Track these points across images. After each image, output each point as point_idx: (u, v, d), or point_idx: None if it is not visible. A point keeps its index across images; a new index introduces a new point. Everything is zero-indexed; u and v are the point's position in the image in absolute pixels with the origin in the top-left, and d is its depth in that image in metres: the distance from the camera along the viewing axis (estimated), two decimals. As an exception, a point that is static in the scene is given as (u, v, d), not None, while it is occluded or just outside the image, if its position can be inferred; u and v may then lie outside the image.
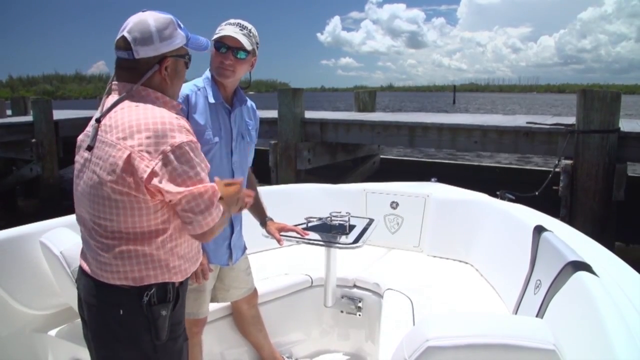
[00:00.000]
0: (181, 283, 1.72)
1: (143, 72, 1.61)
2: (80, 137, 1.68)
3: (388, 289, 2.90)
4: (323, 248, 2.69)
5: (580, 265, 2.01)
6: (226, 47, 2.18)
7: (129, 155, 1.46)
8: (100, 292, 1.61)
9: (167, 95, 1.66)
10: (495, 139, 7.65)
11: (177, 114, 1.62)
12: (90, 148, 1.55)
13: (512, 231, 2.89)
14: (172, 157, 1.47)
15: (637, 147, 6.61)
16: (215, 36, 2.18)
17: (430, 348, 1.33)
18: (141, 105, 1.57)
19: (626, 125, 7.14)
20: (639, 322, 1.61)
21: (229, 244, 2.42)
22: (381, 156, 10.62)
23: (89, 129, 1.62)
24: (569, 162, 6.66)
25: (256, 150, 2.62)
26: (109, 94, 1.66)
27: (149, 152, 1.47)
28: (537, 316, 2.24)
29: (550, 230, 2.52)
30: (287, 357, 2.97)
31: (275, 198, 3.17)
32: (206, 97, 2.22)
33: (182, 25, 1.68)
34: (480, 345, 1.30)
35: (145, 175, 1.46)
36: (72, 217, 2.86)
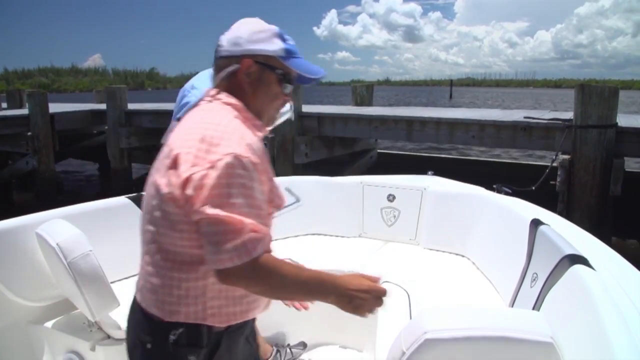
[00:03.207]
0: (228, 328, 1.44)
1: (222, 70, 1.47)
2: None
3: (385, 281, 2.90)
4: (320, 239, 2.68)
5: (576, 259, 2.01)
6: None
7: (178, 155, 1.30)
8: (135, 315, 1.45)
9: (248, 108, 1.45)
10: (493, 133, 7.64)
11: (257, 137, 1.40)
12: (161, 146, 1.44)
13: (509, 224, 2.89)
14: (214, 174, 1.25)
15: (635, 142, 6.61)
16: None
17: (428, 340, 1.32)
18: (213, 109, 1.41)
19: (624, 120, 7.15)
20: (636, 315, 1.62)
21: None
22: (378, 150, 10.61)
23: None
24: (566, 157, 6.66)
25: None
26: None
27: (196, 157, 1.28)
28: (533, 309, 2.24)
29: (547, 224, 2.52)
30: (281, 348, 2.96)
31: None
32: None
33: (288, 40, 1.50)
34: (478, 338, 1.30)
35: (180, 181, 1.27)
36: (68, 209, 2.87)
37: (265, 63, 1.45)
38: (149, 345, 1.39)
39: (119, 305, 2.34)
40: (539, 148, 7.58)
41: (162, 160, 1.37)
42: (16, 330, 2.57)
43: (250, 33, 1.45)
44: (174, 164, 1.29)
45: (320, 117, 8.96)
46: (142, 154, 12.12)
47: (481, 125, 7.72)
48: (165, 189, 1.30)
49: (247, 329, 1.54)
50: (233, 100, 1.43)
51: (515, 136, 7.45)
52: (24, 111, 11.16)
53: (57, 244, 2.23)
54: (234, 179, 1.25)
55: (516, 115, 8.31)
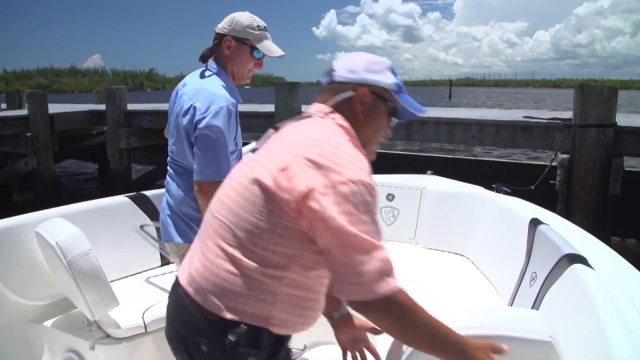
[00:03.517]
0: (287, 336, 1.43)
1: (336, 93, 1.45)
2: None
3: None
4: None
5: (576, 258, 2.02)
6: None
7: (291, 165, 1.24)
8: (183, 312, 1.37)
9: (358, 135, 1.44)
10: (492, 133, 7.64)
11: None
12: (254, 150, 1.40)
13: (508, 224, 2.89)
14: (345, 190, 1.20)
15: (634, 142, 6.61)
16: (274, 54, 2.24)
17: None
18: (328, 126, 1.39)
19: (623, 119, 7.15)
20: (635, 314, 1.62)
21: None
22: (377, 150, 10.58)
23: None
24: (565, 156, 6.67)
25: (254, 145, 2.62)
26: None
27: (315, 171, 1.22)
28: (532, 308, 2.24)
29: (546, 223, 2.52)
30: None
31: None
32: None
33: (397, 76, 1.52)
34: (478, 337, 1.29)
35: (303, 189, 1.20)
36: (67, 208, 2.88)
37: (380, 94, 1.47)
38: (204, 347, 1.31)
39: (118, 304, 2.35)
40: (539, 147, 7.60)
41: (269, 161, 1.29)
42: (15, 329, 2.57)
43: (367, 63, 1.47)
44: (292, 174, 1.22)
45: (319, 117, 8.92)
46: (141, 155, 12.12)
47: (480, 125, 7.72)
48: (279, 194, 1.23)
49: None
50: (346, 124, 1.43)
51: (515, 136, 7.46)
52: (24, 112, 11.16)
53: (56, 243, 2.23)
54: (364, 206, 1.21)
55: (515, 115, 8.31)
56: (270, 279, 1.28)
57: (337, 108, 1.44)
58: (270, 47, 2.23)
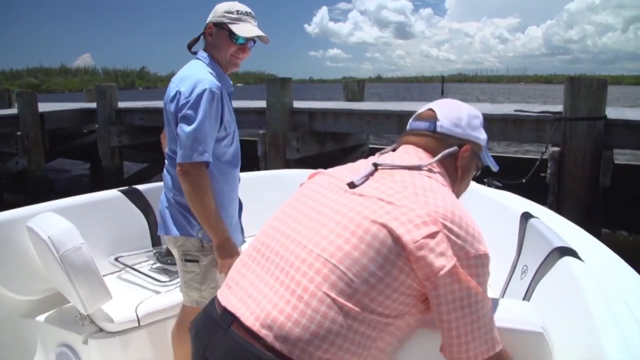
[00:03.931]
0: None
1: (441, 148, 1.41)
2: (336, 170, 1.45)
3: None
4: None
5: (566, 251, 2.03)
6: (253, 43, 2.26)
7: (438, 233, 1.17)
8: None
9: (452, 191, 1.40)
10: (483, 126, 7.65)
11: None
12: (353, 185, 1.28)
13: (499, 218, 2.90)
14: (473, 261, 1.20)
15: (623, 134, 6.66)
16: (247, 34, 2.20)
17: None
18: (437, 179, 1.34)
19: (612, 112, 7.20)
20: (623, 306, 1.64)
21: (240, 218, 2.43)
22: (370, 145, 10.61)
23: (361, 167, 1.39)
24: (556, 149, 6.70)
25: (245, 141, 2.61)
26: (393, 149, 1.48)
27: (454, 244, 1.18)
28: (523, 301, 2.26)
29: (537, 217, 2.54)
30: None
31: (265, 183, 3.17)
32: (223, 85, 2.21)
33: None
34: None
35: (447, 266, 1.15)
36: (59, 202, 2.87)
37: (477, 152, 1.49)
38: None
39: (111, 298, 2.34)
40: (529, 141, 7.62)
41: (401, 214, 1.19)
42: (8, 325, 2.56)
43: (470, 117, 1.48)
44: (434, 244, 1.16)
45: (311, 113, 8.94)
46: (133, 152, 12.09)
47: (472, 119, 7.71)
48: (416, 256, 1.15)
49: None
50: (447, 183, 1.40)
51: (506, 129, 7.48)
52: (13, 111, 11.10)
53: (48, 237, 2.21)
54: (484, 272, 1.24)
55: (507, 108, 8.34)
56: (370, 333, 1.18)
57: (441, 161, 1.41)
58: (244, 28, 2.20)
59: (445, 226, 1.17)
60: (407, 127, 1.52)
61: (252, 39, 2.24)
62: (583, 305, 1.59)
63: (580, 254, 2.01)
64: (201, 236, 2.21)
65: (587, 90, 6.47)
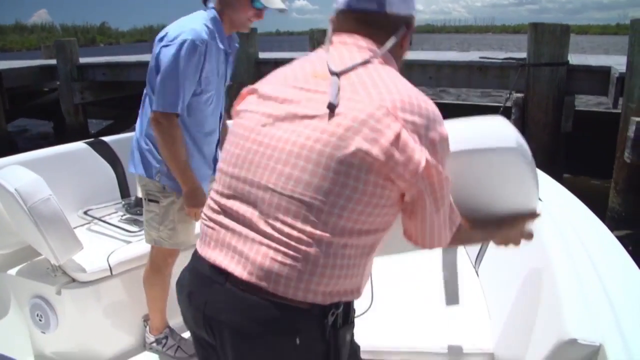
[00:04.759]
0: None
1: (391, 32, 1.25)
2: (269, 87, 1.26)
3: None
4: None
5: None
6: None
7: (401, 130, 1.09)
8: (269, 314, 1.13)
9: None
10: (449, 74, 7.72)
11: None
12: (331, 107, 1.12)
13: None
14: (439, 147, 1.13)
15: (585, 80, 6.81)
16: (270, 4, 2.14)
17: None
18: (398, 76, 1.21)
19: (575, 58, 7.31)
20: (576, 241, 1.75)
21: (215, 158, 2.42)
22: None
23: (305, 83, 1.21)
24: (520, 95, 6.82)
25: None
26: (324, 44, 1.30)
27: (419, 135, 1.11)
28: (480, 246, 2.36)
29: None
30: None
31: None
32: (216, 43, 2.18)
33: None
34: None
35: (422, 161, 1.09)
36: (24, 155, 2.84)
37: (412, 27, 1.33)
38: (298, 340, 1.14)
39: (82, 248, 2.36)
40: (494, 87, 7.74)
41: (364, 125, 1.10)
42: None
43: None
44: (399, 140, 1.09)
45: (277, 63, 8.74)
46: (97, 109, 11.83)
47: (438, 66, 7.78)
48: (391, 166, 1.09)
49: None
50: (396, 67, 1.27)
51: (471, 76, 7.56)
52: (-33, 71, 10.70)
53: (15, 190, 2.20)
54: (447, 156, 1.18)
55: (472, 56, 8.40)
56: (361, 252, 1.17)
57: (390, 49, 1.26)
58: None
59: (406, 120, 1.10)
60: (343, 6, 1.28)
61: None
62: (540, 243, 1.67)
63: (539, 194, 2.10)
64: (158, 179, 2.26)
65: (550, 36, 6.56)
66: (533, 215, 1.44)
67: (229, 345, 1.17)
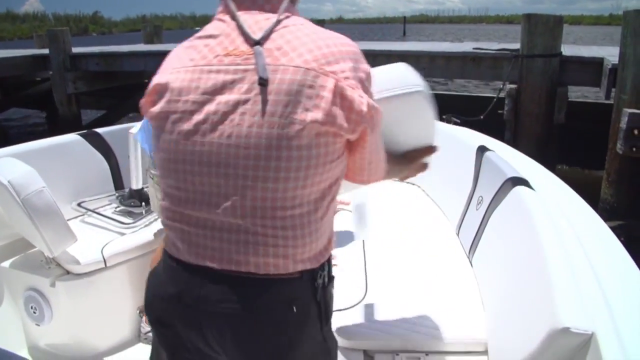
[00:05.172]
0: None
1: None
2: (191, 75, 1.14)
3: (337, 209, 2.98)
4: None
5: (518, 181, 2.14)
6: None
7: (336, 85, 1.07)
8: (265, 292, 1.15)
9: None
10: (442, 65, 7.72)
11: None
12: (263, 82, 1.06)
13: (457, 152, 2.98)
14: (367, 83, 1.14)
15: (577, 71, 6.82)
16: None
17: None
18: (312, 25, 1.17)
19: (568, 50, 7.32)
20: (569, 231, 1.77)
21: None
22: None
23: (227, 58, 1.13)
24: (513, 86, 6.84)
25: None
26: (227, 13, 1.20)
27: (351, 80, 1.09)
28: (478, 230, 2.38)
29: (492, 150, 2.63)
30: None
31: None
32: None
33: None
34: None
35: (364, 108, 1.09)
36: (17, 147, 2.82)
37: None
38: (295, 308, 1.16)
39: (76, 240, 2.36)
40: (488, 78, 7.75)
41: (295, 91, 1.07)
42: None
43: None
44: (337, 95, 1.07)
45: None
46: (91, 100, 11.77)
47: (431, 57, 7.78)
48: (339, 124, 1.08)
49: None
50: (298, 13, 1.24)
51: (465, 67, 7.56)
52: (-42, 60, 10.62)
53: (8, 182, 2.18)
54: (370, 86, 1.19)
55: (466, 46, 8.40)
56: (328, 206, 1.18)
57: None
58: None
59: (335, 72, 1.07)
60: None
61: None
62: (533, 232, 1.70)
63: (532, 184, 2.11)
64: None
65: (543, 27, 6.57)
66: (432, 148, 1.66)
67: (229, 335, 1.16)
